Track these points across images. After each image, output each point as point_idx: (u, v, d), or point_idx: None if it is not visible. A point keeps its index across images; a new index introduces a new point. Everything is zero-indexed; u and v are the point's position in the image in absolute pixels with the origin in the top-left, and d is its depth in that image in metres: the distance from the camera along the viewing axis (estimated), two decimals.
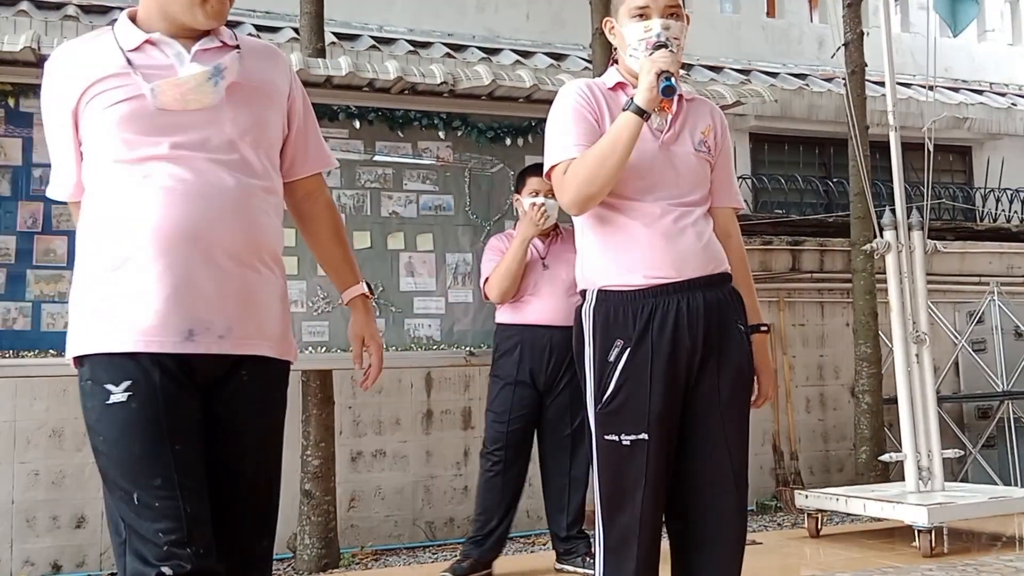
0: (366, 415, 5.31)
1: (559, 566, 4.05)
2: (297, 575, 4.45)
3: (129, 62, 1.73)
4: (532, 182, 4.00)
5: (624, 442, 2.09)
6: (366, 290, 2.08)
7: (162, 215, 1.68)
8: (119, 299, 1.68)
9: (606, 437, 2.12)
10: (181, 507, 1.62)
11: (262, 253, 1.78)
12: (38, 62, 3.81)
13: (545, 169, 2.21)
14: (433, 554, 4.81)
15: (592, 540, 2.40)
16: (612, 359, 2.11)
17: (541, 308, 3.95)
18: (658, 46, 2.10)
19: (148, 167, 1.70)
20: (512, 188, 4.63)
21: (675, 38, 2.15)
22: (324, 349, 4.29)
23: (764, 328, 2.32)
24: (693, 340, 2.11)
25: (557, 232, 4.09)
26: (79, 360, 1.73)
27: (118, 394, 1.65)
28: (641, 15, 2.16)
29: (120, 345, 1.67)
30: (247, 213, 1.75)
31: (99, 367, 1.68)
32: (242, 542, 1.79)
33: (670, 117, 2.20)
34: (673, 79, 2.05)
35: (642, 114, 2.06)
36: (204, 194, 1.71)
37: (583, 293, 2.22)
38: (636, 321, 2.11)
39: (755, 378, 2.28)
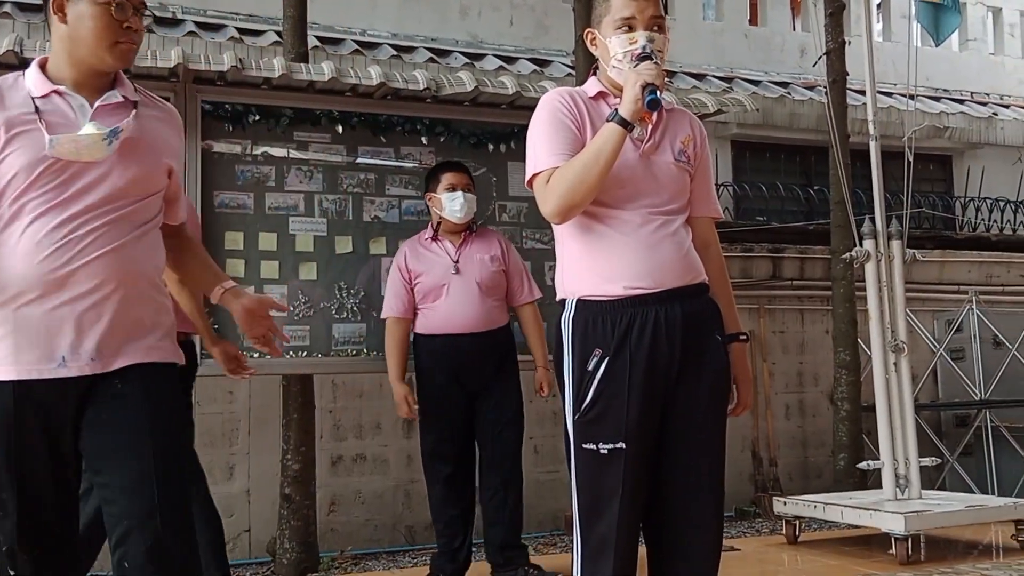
0: (347, 419, 5.30)
1: None
2: None
3: (36, 109, 1.89)
4: (447, 176, 3.94)
5: (602, 451, 2.10)
6: (231, 281, 2.17)
7: (38, 264, 1.84)
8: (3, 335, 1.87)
9: (584, 446, 2.13)
10: (12, 519, 1.86)
11: (132, 279, 1.93)
12: (20, 65, 3.78)
13: (527, 177, 2.22)
14: (413, 558, 4.80)
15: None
16: (591, 368, 2.12)
17: (456, 315, 3.85)
18: (643, 57, 2.11)
19: (29, 216, 1.86)
20: (494, 194, 4.65)
21: (659, 51, 2.16)
22: (304, 353, 4.28)
23: (743, 337, 2.33)
24: (671, 350, 2.12)
25: (470, 232, 4.00)
26: None
27: None
28: (627, 27, 2.16)
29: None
30: (118, 254, 1.90)
31: None
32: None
33: (650, 127, 2.21)
34: (658, 92, 2.06)
35: (626, 125, 2.06)
36: (75, 240, 1.86)
37: (562, 302, 2.23)
38: (615, 331, 2.12)
39: (734, 387, 2.30)
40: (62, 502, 1.93)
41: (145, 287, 1.97)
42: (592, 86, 2.27)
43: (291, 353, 4.26)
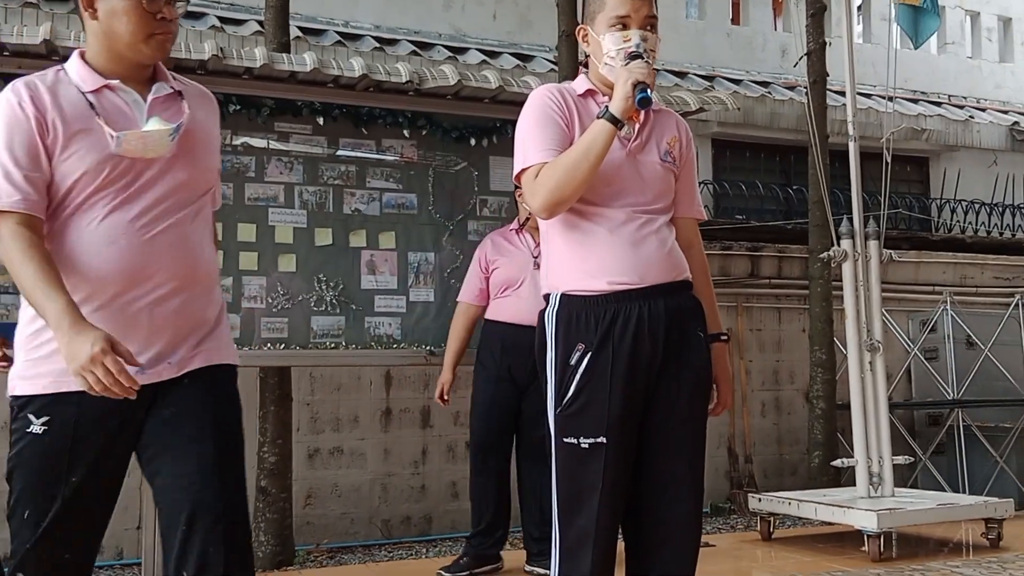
0: (324, 412, 5.29)
1: (529, 568, 4.04)
2: None
3: (91, 105, 1.84)
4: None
5: (583, 445, 2.11)
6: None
7: (109, 265, 1.81)
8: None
9: (565, 440, 2.14)
10: (38, 542, 1.82)
11: (200, 279, 1.92)
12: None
13: (515, 172, 2.22)
14: (389, 552, 4.80)
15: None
16: (573, 363, 2.13)
17: (529, 307, 3.79)
18: (634, 56, 2.12)
19: (99, 212, 1.82)
20: (475, 188, 4.64)
21: (651, 50, 2.17)
22: (283, 345, 4.26)
23: (724, 337, 2.35)
24: (654, 346, 2.13)
25: None
26: (15, 397, 1.87)
27: (36, 426, 1.82)
28: (621, 25, 2.17)
29: (53, 386, 1.82)
30: (184, 248, 1.89)
31: (28, 400, 1.84)
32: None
33: (637, 126, 2.22)
34: (649, 91, 2.07)
35: (616, 123, 2.07)
36: (147, 241, 1.84)
37: (546, 297, 2.24)
38: (598, 326, 2.13)
39: (714, 386, 2.31)
40: (95, 523, 1.90)
41: (209, 284, 1.96)
42: (581, 83, 2.28)
43: (269, 345, 4.25)
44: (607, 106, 2.09)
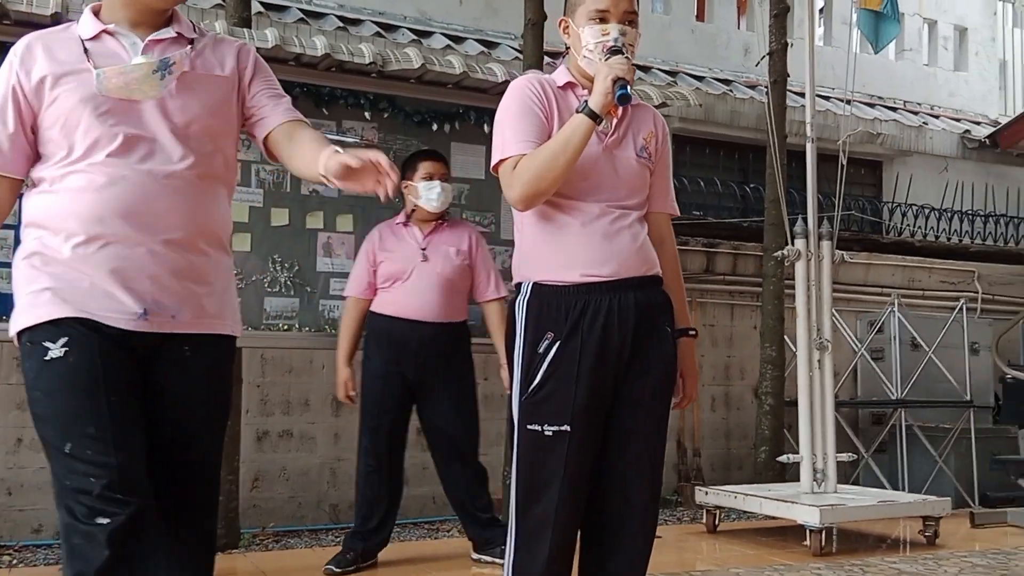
0: (274, 394, 5.23)
1: (477, 556, 4.04)
2: None
3: (86, 51, 1.80)
4: (425, 165, 3.93)
5: (547, 432, 2.13)
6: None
7: (112, 204, 1.75)
8: (70, 279, 1.75)
9: (529, 427, 2.15)
10: (114, 455, 1.66)
11: (207, 237, 1.87)
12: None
13: (493, 162, 2.23)
14: (336, 537, 4.77)
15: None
16: (541, 351, 2.15)
17: (414, 301, 3.87)
18: (614, 51, 2.13)
19: (99, 158, 1.76)
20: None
21: (630, 45, 2.19)
22: None
23: (692, 332, 2.38)
24: (623, 338, 2.16)
25: (442, 222, 4.02)
26: (22, 333, 1.78)
27: (55, 350, 1.71)
28: (600, 19, 2.18)
29: (61, 311, 1.73)
30: (192, 199, 1.83)
31: (39, 331, 1.74)
32: (185, 516, 1.86)
33: (615, 121, 2.23)
34: (628, 87, 2.08)
35: (595, 118, 2.08)
36: (151, 184, 1.78)
37: (518, 286, 2.25)
38: (568, 315, 2.15)
39: (680, 380, 2.35)
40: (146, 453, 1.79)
41: (218, 244, 1.91)
42: (561, 75, 2.29)
43: None
44: (586, 101, 2.10)
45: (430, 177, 3.91)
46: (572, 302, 2.15)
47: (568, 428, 2.12)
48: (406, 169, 4.02)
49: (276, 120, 1.99)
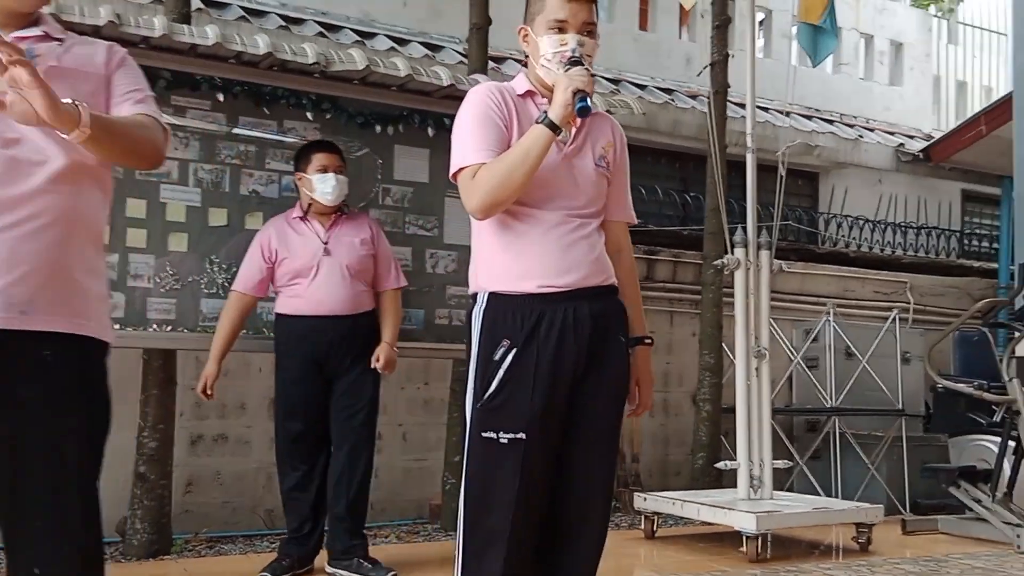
0: None
1: (331, 569, 3.86)
2: (125, 560, 4.25)
3: None
4: (319, 157, 3.86)
5: (502, 439, 2.11)
6: None
7: None
8: None
9: (483, 434, 2.13)
10: None
11: (80, 230, 1.78)
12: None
13: (452, 170, 2.20)
14: (271, 542, 4.69)
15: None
16: (497, 358, 2.14)
17: (324, 297, 3.79)
18: (574, 62, 2.13)
19: None
20: (378, 176, 4.57)
21: (588, 55, 2.18)
22: (169, 328, 4.11)
23: (648, 340, 2.39)
24: (578, 348, 2.16)
25: (341, 214, 3.95)
26: None
27: None
28: (559, 28, 2.18)
29: None
30: (63, 191, 1.75)
31: None
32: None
33: (574, 130, 2.24)
34: (589, 99, 2.08)
35: (555, 129, 2.08)
36: (19, 166, 1.71)
37: (474, 296, 2.24)
38: (524, 324, 2.14)
39: (636, 388, 2.36)
40: None
41: (86, 240, 1.80)
42: (521, 83, 2.28)
43: (155, 327, 4.09)
44: (546, 112, 2.09)
45: (324, 170, 3.84)
46: (528, 311, 2.14)
47: (523, 436, 2.10)
48: (300, 161, 3.95)
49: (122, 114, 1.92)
